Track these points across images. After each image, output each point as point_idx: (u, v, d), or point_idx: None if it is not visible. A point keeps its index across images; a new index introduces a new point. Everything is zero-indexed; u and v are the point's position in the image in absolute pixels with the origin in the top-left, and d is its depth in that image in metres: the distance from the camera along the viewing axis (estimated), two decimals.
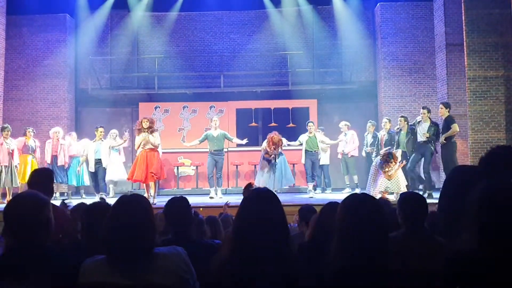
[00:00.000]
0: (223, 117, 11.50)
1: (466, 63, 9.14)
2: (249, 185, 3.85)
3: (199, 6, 12.65)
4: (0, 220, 2.23)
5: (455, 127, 8.00)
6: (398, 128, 8.90)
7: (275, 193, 6.81)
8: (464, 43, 9.14)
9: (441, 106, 8.32)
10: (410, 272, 1.90)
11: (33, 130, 9.64)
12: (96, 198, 8.82)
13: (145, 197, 2.08)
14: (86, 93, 12.45)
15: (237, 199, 6.93)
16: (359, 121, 10.76)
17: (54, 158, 9.75)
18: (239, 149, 11.31)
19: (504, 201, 1.49)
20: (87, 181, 9.96)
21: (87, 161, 9.68)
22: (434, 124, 8.36)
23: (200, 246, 2.55)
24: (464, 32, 9.15)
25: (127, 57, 12.85)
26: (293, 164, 10.47)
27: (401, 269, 1.82)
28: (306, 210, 3.80)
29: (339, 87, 12.25)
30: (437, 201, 2.46)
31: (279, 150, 9.09)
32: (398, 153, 8.16)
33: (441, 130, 8.30)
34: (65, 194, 10.41)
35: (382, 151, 8.19)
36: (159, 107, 12.18)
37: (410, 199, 2.52)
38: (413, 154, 8.44)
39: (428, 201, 2.79)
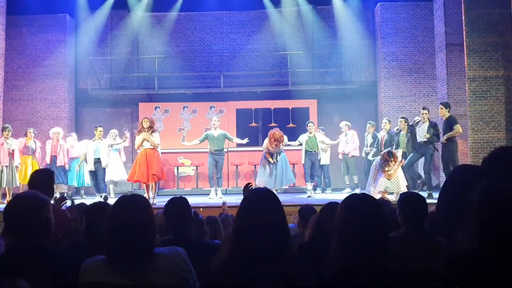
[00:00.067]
0: (223, 117, 11.49)
1: (466, 63, 9.14)
2: (248, 185, 3.85)
3: (199, 6, 12.65)
4: (0, 221, 2.23)
5: (458, 128, 7.98)
6: (397, 129, 8.90)
7: (275, 192, 6.79)
8: (464, 43, 9.14)
9: (440, 106, 8.31)
10: (410, 272, 1.90)
11: (34, 131, 9.64)
12: (97, 198, 8.83)
13: (145, 197, 2.08)
14: (86, 93, 12.45)
15: (237, 199, 6.94)
16: (359, 121, 10.76)
17: (54, 158, 9.75)
18: (239, 149, 11.31)
19: (504, 201, 1.48)
20: (88, 181, 9.96)
21: (86, 161, 9.67)
22: (433, 124, 8.34)
23: (200, 246, 2.55)
24: (464, 32, 9.15)
25: (127, 57, 12.86)
26: (293, 164, 10.47)
27: (401, 269, 1.82)
28: (306, 210, 3.80)
29: (339, 87, 12.26)
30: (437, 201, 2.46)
31: (281, 146, 8.98)
32: (399, 153, 8.17)
33: (441, 130, 8.29)
34: (65, 194, 10.40)
35: (382, 152, 8.20)
36: (159, 107, 12.18)
37: (410, 199, 2.52)
38: (412, 153, 8.43)
39: (428, 201, 2.80)
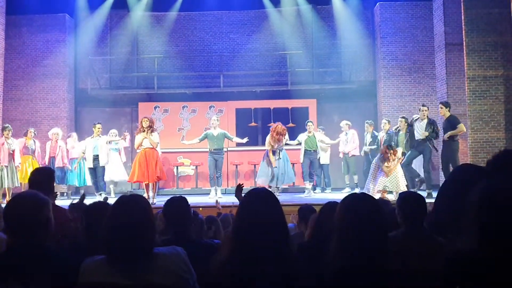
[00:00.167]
0: (222, 117, 11.50)
1: (465, 63, 9.14)
2: (241, 185, 3.86)
3: (198, 6, 12.65)
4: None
5: (462, 127, 7.97)
6: (396, 128, 8.90)
7: (278, 191, 6.74)
8: (464, 42, 9.15)
9: (440, 105, 8.30)
10: (409, 272, 1.90)
11: (34, 131, 9.65)
12: (96, 198, 8.83)
13: (144, 197, 2.08)
14: (86, 93, 12.45)
15: (236, 199, 6.93)
16: (359, 121, 10.75)
17: (52, 159, 9.75)
18: (238, 149, 11.31)
19: (504, 201, 1.49)
20: (89, 181, 9.93)
21: (85, 158, 9.67)
22: (431, 122, 8.32)
23: (200, 246, 2.55)
24: (463, 32, 9.16)
25: (126, 57, 12.86)
26: (293, 164, 10.46)
27: (400, 269, 1.82)
28: (305, 209, 3.80)
29: (338, 87, 12.26)
30: None
31: (284, 141, 8.81)
32: (399, 151, 8.16)
33: (442, 130, 8.28)
34: (65, 194, 10.40)
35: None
36: (159, 107, 12.18)
37: (409, 199, 2.52)
38: (410, 151, 8.42)
39: (428, 200, 2.80)
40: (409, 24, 12.03)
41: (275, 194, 6.54)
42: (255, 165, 11.05)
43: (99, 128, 9.42)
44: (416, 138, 8.35)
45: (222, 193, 9.41)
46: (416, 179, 8.50)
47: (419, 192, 7.77)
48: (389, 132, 9.18)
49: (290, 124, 11.58)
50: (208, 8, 12.72)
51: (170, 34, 12.88)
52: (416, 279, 1.99)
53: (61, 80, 12.26)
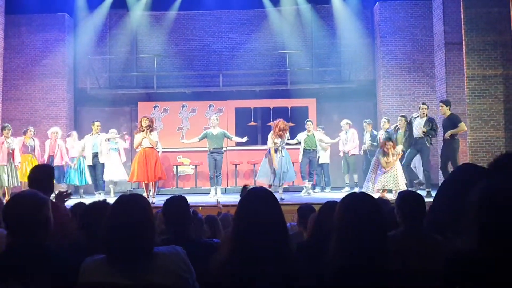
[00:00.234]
0: (222, 116, 11.49)
1: (465, 62, 9.14)
2: (246, 186, 3.85)
3: (198, 5, 12.64)
4: None
5: (463, 126, 7.99)
6: (396, 127, 8.91)
7: (280, 191, 6.69)
8: (463, 41, 9.15)
9: (441, 104, 8.30)
10: (409, 272, 1.90)
11: (34, 130, 9.64)
12: (96, 197, 8.82)
13: (144, 196, 2.08)
14: (85, 92, 12.44)
15: (235, 198, 6.94)
16: (358, 120, 10.75)
17: (51, 158, 9.74)
18: (238, 148, 11.31)
19: (504, 201, 1.49)
20: (89, 179, 9.91)
21: (84, 157, 9.66)
22: (430, 119, 8.34)
23: (199, 246, 2.55)
24: (463, 31, 9.15)
25: (126, 57, 12.85)
26: (293, 163, 10.45)
27: (400, 268, 1.82)
28: (305, 209, 3.80)
29: (338, 86, 12.26)
30: None
31: (286, 137, 8.69)
32: (398, 148, 8.17)
33: (442, 128, 8.28)
34: (69, 190, 10.37)
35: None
36: (158, 106, 12.17)
37: (408, 198, 2.52)
38: (409, 150, 8.43)
39: (427, 199, 2.80)
40: (408, 23, 12.03)
41: (278, 193, 6.51)
42: (254, 164, 11.06)
43: (98, 126, 9.41)
44: (415, 136, 8.38)
45: (222, 193, 9.42)
46: (415, 181, 8.49)
47: (418, 191, 7.79)
48: (388, 130, 9.19)
49: (290, 124, 11.56)
50: (207, 8, 12.72)
51: (170, 34, 12.87)
52: (415, 278, 1.99)
53: (60, 80, 12.25)
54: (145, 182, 8.25)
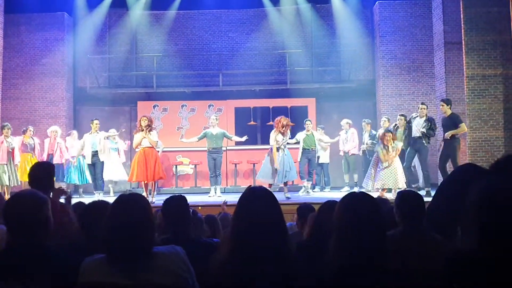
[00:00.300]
0: (221, 116, 11.49)
1: (464, 62, 9.14)
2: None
3: (197, 4, 12.64)
4: None
5: (464, 127, 8.01)
6: (395, 126, 8.92)
7: (279, 190, 6.62)
8: (463, 41, 9.15)
9: (441, 103, 8.31)
10: (408, 271, 1.90)
11: (33, 129, 9.64)
12: (95, 196, 8.83)
13: (144, 196, 2.08)
14: (85, 91, 12.44)
15: (235, 198, 6.93)
16: (358, 120, 10.75)
17: (50, 157, 9.73)
18: (238, 148, 11.31)
19: (504, 201, 1.49)
20: (89, 178, 9.89)
21: (84, 156, 9.65)
22: (429, 119, 8.36)
23: (199, 245, 2.55)
24: (462, 31, 9.16)
25: (125, 56, 12.85)
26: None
27: (399, 268, 1.82)
28: (304, 208, 3.80)
29: (337, 86, 12.26)
30: None
31: (288, 135, 8.61)
32: (399, 143, 8.19)
33: (441, 127, 8.29)
34: (67, 190, 10.37)
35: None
36: (158, 106, 12.17)
37: (407, 197, 2.52)
38: (408, 150, 8.46)
39: (426, 199, 2.80)
40: (408, 23, 12.03)
41: (283, 192, 6.44)
42: (254, 164, 11.06)
43: (96, 124, 9.41)
44: (413, 135, 8.40)
45: (221, 192, 9.41)
46: (413, 185, 8.48)
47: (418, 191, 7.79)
48: (388, 129, 9.19)
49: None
50: (207, 7, 12.71)
51: (169, 33, 12.87)
52: (415, 278, 1.99)
53: (59, 79, 12.25)
54: (145, 182, 8.26)
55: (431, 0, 11.09)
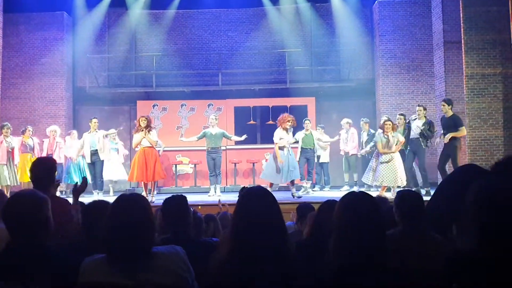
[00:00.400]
0: (221, 115, 11.49)
1: (464, 61, 9.15)
2: (244, 188, 3.84)
3: (197, 3, 12.63)
4: None
5: (463, 130, 8.00)
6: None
7: (273, 189, 6.57)
8: (462, 40, 9.15)
9: (443, 103, 8.29)
10: (408, 270, 1.91)
11: (32, 129, 9.63)
12: (94, 196, 8.82)
13: (144, 196, 2.08)
14: (84, 91, 12.43)
15: (235, 197, 6.92)
16: (358, 119, 10.74)
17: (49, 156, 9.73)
18: (237, 147, 11.31)
19: (504, 201, 1.49)
20: (90, 178, 9.89)
21: (83, 156, 9.65)
22: (429, 121, 8.40)
23: (199, 245, 2.55)
24: (462, 30, 9.16)
25: (125, 55, 12.85)
26: None
27: (399, 267, 1.82)
28: (304, 208, 3.80)
29: (337, 85, 12.26)
30: None
31: (291, 133, 8.55)
32: (400, 136, 8.23)
33: (442, 128, 8.29)
34: (63, 192, 10.39)
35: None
36: (157, 105, 12.16)
37: (407, 197, 2.52)
38: (407, 152, 8.48)
39: (426, 198, 2.80)
40: (407, 22, 12.03)
41: (292, 192, 6.33)
42: (253, 163, 11.06)
43: (95, 123, 9.41)
44: (411, 137, 8.43)
45: (221, 191, 9.41)
46: (414, 188, 8.49)
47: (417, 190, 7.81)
48: (388, 118, 9.21)
49: None
50: (206, 6, 12.71)
51: (168, 32, 12.86)
52: (414, 277, 2.00)
53: (59, 79, 12.24)
54: (144, 182, 8.26)
55: None
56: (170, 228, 2.63)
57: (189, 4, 12.61)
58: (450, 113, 8.09)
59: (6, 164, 8.76)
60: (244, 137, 9.25)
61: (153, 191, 8.42)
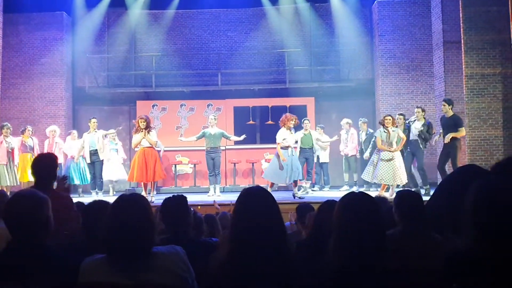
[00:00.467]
0: (220, 115, 11.49)
1: (463, 61, 9.15)
2: None
3: (196, 3, 12.62)
4: None
5: (463, 131, 8.03)
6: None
7: (273, 189, 6.57)
8: (462, 40, 9.16)
9: (443, 103, 8.31)
10: (408, 271, 1.91)
11: (32, 129, 9.63)
12: (93, 195, 8.82)
13: (144, 196, 2.08)
14: (84, 91, 12.43)
15: (234, 197, 6.91)
16: (357, 119, 10.75)
17: None
18: (237, 147, 11.31)
19: (504, 201, 1.49)
20: (90, 178, 9.88)
21: (83, 156, 9.65)
22: (428, 123, 8.43)
23: (198, 245, 2.55)
24: (461, 30, 9.16)
25: (124, 55, 12.85)
26: None
27: (399, 267, 1.83)
28: (303, 208, 3.81)
29: (336, 85, 12.26)
30: None
31: (293, 132, 8.49)
32: (401, 132, 8.25)
33: (442, 128, 8.30)
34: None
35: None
36: (157, 105, 12.16)
37: (406, 197, 2.52)
38: (406, 153, 8.51)
39: (425, 198, 2.80)
40: (407, 22, 12.04)
41: (294, 191, 6.30)
42: (253, 163, 11.06)
43: (94, 123, 9.41)
44: (410, 138, 8.45)
45: (220, 191, 9.41)
46: (413, 189, 8.50)
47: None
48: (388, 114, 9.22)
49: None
50: (205, 6, 12.70)
51: (168, 32, 12.86)
52: (414, 277, 2.00)
53: (58, 79, 12.23)
54: (145, 182, 8.26)
55: None
56: (170, 228, 2.63)
57: (188, 4, 12.61)
58: (451, 113, 8.10)
59: (6, 164, 8.76)
60: (243, 137, 9.26)
61: (153, 191, 8.42)
